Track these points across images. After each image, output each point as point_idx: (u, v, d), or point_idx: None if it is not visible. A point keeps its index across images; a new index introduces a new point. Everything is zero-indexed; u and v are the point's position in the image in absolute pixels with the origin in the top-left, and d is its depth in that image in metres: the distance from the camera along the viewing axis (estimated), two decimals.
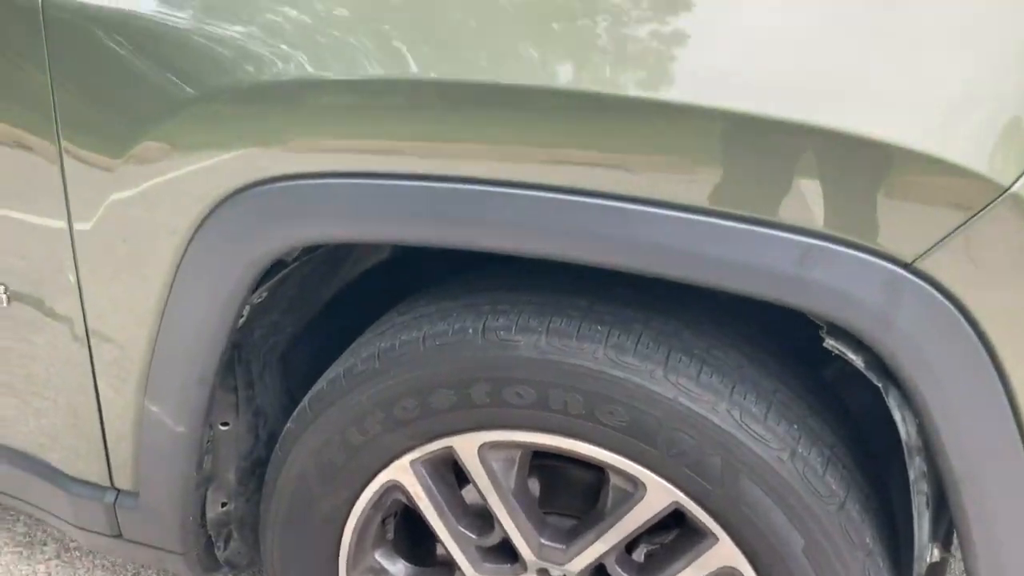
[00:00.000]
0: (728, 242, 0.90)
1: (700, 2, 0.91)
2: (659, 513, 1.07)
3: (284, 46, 0.98)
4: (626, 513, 1.08)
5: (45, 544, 1.87)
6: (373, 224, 1.00)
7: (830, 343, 0.96)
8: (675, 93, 0.88)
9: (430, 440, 1.13)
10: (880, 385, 0.96)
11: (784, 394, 1.05)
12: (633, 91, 0.89)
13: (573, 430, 1.05)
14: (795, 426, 1.02)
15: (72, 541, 1.86)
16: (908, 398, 0.94)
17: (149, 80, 1.03)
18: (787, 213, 0.89)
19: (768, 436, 1.00)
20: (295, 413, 1.22)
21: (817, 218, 0.88)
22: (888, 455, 1.20)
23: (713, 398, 1.00)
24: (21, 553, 1.84)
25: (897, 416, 0.97)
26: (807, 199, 0.88)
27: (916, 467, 1.00)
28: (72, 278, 1.16)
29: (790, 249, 0.89)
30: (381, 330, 1.17)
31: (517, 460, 1.13)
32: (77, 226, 1.13)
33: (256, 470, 1.33)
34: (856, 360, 0.95)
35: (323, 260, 1.23)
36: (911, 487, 1.02)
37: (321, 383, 1.19)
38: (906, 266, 0.88)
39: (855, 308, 0.90)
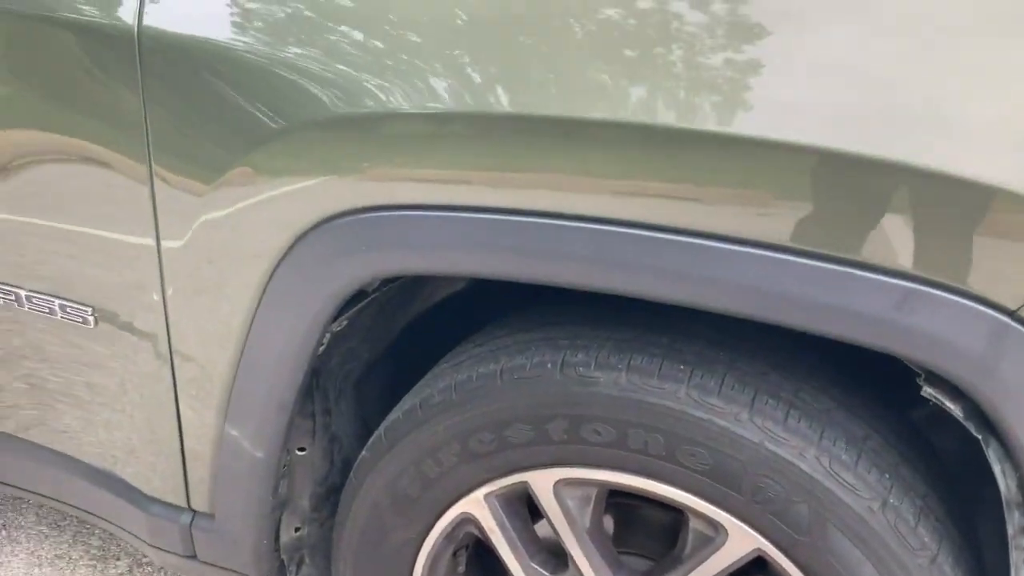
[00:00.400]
0: (824, 284, 0.87)
1: (782, 31, 0.87)
2: (740, 560, 1.04)
3: (364, 79, 0.98)
4: (706, 558, 1.05)
5: (118, 559, 1.90)
6: (453, 257, 1.00)
7: (928, 391, 0.92)
8: (760, 128, 0.86)
9: (505, 474, 1.12)
10: (980, 437, 0.92)
11: (875, 441, 1.01)
12: (717, 126, 0.87)
13: (653, 470, 1.03)
14: (887, 475, 0.98)
15: (144, 556, 1.89)
16: (1009, 451, 0.90)
17: (238, 110, 1.05)
18: (885, 256, 0.85)
19: (858, 485, 0.96)
20: (370, 442, 1.22)
21: (918, 262, 0.85)
22: (979, 503, 1.15)
23: (801, 443, 0.97)
24: (95, 566, 1.88)
25: (996, 469, 0.92)
26: (907, 242, 0.85)
27: (1015, 522, 0.95)
28: (158, 299, 1.18)
29: (889, 293, 0.86)
30: (457, 361, 1.17)
31: (593, 498, 1.11)
32: (165, 246, 1.15)
33: (330, 496, 1.33)
34: (955, 410, 0.91)
35: (401, 289, 1.23)
36: (1009, 541, 0.97)
37: (396, 413, 1.19)
38: (1010, 314, 0.84)
39: (955, 356, 0.86)
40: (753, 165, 0.87)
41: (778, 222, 0.88)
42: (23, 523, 2.01)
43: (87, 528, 1.99)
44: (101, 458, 1.39)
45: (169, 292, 1.17)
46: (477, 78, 0.95)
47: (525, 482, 1.12)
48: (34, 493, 1.51)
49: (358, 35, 0.99)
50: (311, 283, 1.07)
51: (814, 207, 0.86)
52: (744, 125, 0.87)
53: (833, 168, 0.85)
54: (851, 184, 0.85)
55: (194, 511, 1.32)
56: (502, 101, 0.94)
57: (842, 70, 0.85)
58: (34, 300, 1.26)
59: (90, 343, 1.26)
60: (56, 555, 1.92)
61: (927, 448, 1.10)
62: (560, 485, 1.10)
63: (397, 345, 1.39)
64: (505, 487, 1.13)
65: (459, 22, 0.96)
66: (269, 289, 1.10)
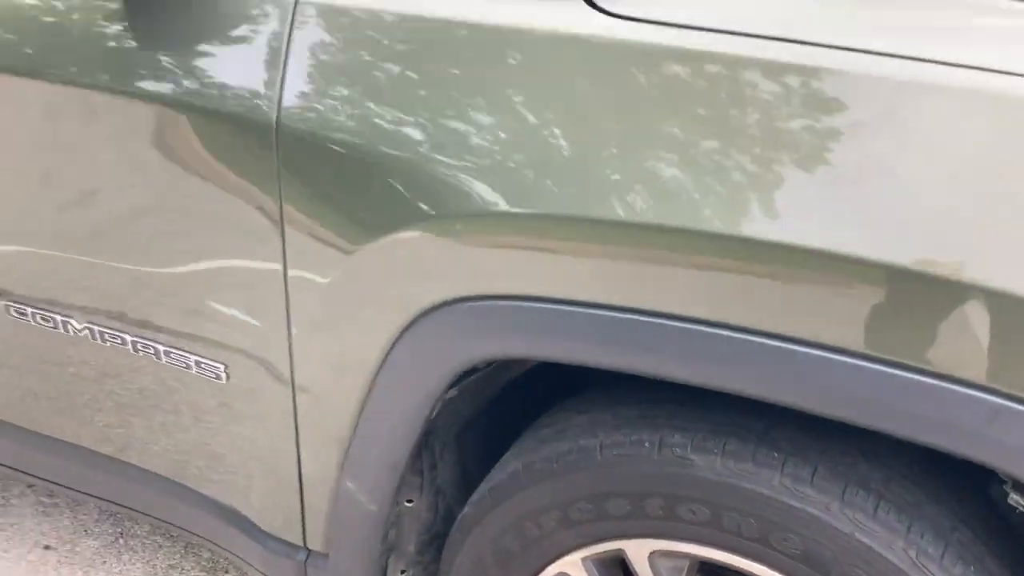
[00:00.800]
0: (920, 396, 0.92)
1: (876, 146, 0.93)
2: None
3: (492, 178, 1.06)
4: None
5: (227, 571, 2.04)
6: (567, 347, 1.07)
7: (1014, 499, 0.96)
8: (857, 246, 0.92)
9: (602, 541, 1.20)
10: None
11: (962, 533, 1.05)
12: (816, 242, 0.93)
13: (746, 551, 1.09)
14: (972, 568, 1.03)
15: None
16: None
17: (367, 197, 1.14)
18: (978, 372, 0.90)
19: None
20: (474, 499, 1.30)
21: (1008, 379, 0.89)
22: None
23: (889, 536, 1.02)
24: None
25: None
26: (998, 360, 0.89)
27: None
28: (285, 363, 1.28)
29: (981, 408, 0.90)
30: (559, 428, 1.24)
31: (686, 568, 1.18)
32: (294, 314, 1.25)
33: (433, 542, 1.43)
34: None
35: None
36: None
37: (501, 474, 1.27)
38: None
39: None
40: (855, 281, 0.92)
41: (876, 335, 0.93)
42: (138, 532, 2.16)
43: (198, 540, 2.13)
44: (225, 495, 1.51)
45: (296, 357, 1.27)
46: (601, 184, 1.01)
47: (621, 550, 1.19)
48: (163, 520, 1.64)
49: (489, 135, 1.07)
50: (430, 359, 1.16)
51: (911, 322, 0.92)
52: (843, 243, 0.92)
53: (928, 287, 0.90)
54: (946, 303, 0.90)
55: (309, 550, 1.43)
56: (612, 207, 1.01)
57: (930, 193, 0.91)
58: (172, 355, 1.37)
59: (221, 396, 1.38)
60: (170, 565, 2.06)
61: (1015, 541, 1.13)
62: (655, 555, 1.17)
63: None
64: (601, 552, 1.21)
65: (584, 130, 1.03)
66: (388, 361, 1.19)
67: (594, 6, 1.07)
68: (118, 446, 1.57)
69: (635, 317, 1.02)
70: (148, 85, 1.24)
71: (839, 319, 0.94)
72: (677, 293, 1.00)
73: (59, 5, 1.33)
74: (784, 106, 0.97)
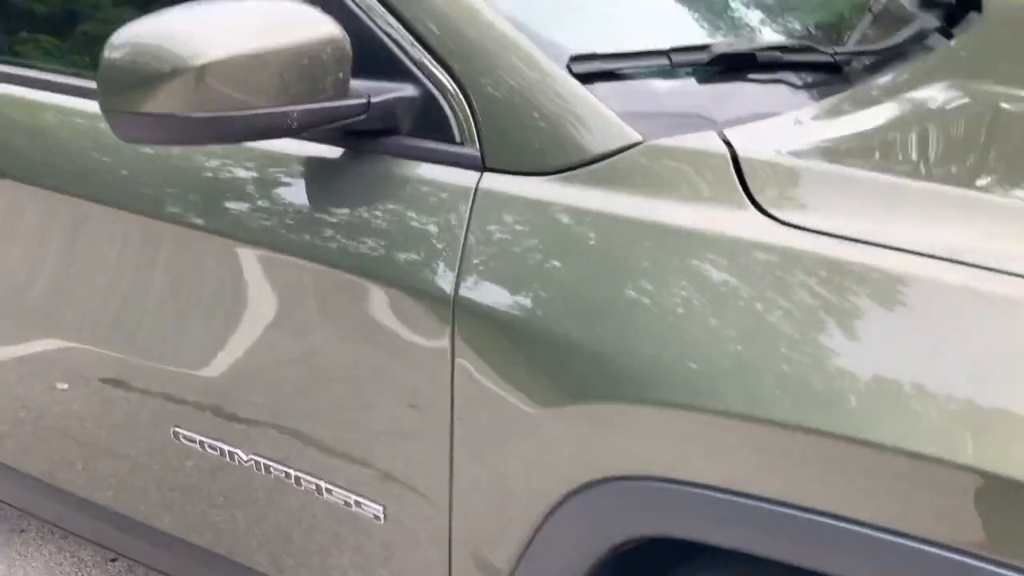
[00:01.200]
0: None
1: None
2: None
3: (653, 368, 1.13)
4: None
5: None
6: (731, 534, 1.13)
7: None
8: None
9: None
10: None
11: None
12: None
13: None
14: None
15: None
16: None
17: (535, 371, 1.23)
18: None
19: None
20: None
21: None
22: None
23: None
24: None
25: None
26: None
27: None
28: (444, 516, 1.36)
29: None
30: None
31: None
32: (457, 475, 1.33)
33: None
34: None
35: None
36: None
37: None
38: None
39: None
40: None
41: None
42: None
43: None
44: None
45: (455, 511, 1.35)
46: (764, 383, 1.08)
47: None
48: None
49: (656, 327, 1.15)
50: (593, 531, 1.23)
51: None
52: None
53: None
54: None
55: None
56: (779, 408, 1.07)
57: None
58: (333, 492, 1.47)
59: (377, 536, 1.46)
60: None
61: None
62: None
63: None
64: None
65: (750, 330, 1.10)
66: (546, 526, 1.26)
67: (764, 212, 1.16)
68: (259, 558, 1.67)
69: (800, 514, 1.08)
70: (324, 250, 1.36)
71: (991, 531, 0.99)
72: (843, 496, 1.06)
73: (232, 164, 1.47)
74: (955, 324, 1.04)
